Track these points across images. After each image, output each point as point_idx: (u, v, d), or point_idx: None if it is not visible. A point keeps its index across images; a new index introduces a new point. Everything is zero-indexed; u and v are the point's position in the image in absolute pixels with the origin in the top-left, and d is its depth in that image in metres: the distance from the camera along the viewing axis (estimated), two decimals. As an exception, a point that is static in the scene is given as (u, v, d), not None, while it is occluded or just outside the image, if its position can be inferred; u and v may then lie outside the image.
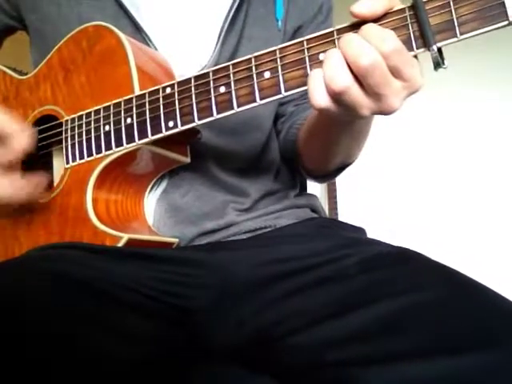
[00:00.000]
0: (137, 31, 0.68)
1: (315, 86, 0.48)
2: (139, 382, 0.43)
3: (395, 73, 0.46)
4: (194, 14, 0.71)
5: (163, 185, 0.67)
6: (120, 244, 0.58)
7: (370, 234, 0.71)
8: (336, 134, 0.65)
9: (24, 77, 0.72)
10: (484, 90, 2.24)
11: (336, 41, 0.49)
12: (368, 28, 0.46)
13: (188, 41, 0.70)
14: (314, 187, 0.89)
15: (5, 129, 0.58)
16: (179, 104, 0.56)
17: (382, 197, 2.23)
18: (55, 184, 0.65)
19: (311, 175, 0.80)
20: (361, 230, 0.73)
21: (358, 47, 0.46)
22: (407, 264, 0.55)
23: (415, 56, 0.47)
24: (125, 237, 0.58)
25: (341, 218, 1.88)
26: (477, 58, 2.12)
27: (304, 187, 0.89)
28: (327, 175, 0.77)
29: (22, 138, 0.59)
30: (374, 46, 0.45)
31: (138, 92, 0.60)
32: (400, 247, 0.59)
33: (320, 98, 0.48)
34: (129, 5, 0.68)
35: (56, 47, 0.68)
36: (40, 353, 0.41)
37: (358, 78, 0.46)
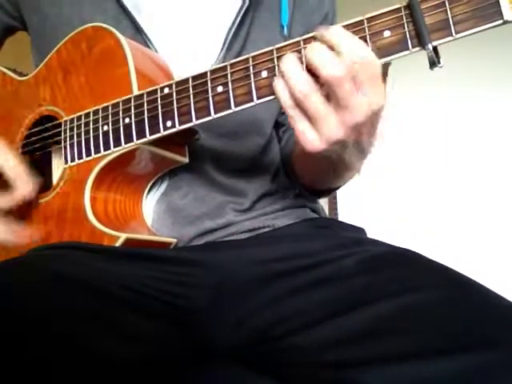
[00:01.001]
0: (137, 33, 0.68)
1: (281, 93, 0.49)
2: (139, 382, 0.43)
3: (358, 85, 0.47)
4: (198, 18, 0.71)
5: (163, 186, 0.67)
6: (118, 244, 0.58)
7: (370, 234, 0.71)
8: (314, 164, 0.67)
9: (24, 78, 0.73)
10: (484, 90, 2.24)
11: None
12: (338, 37, 0.47)
13: (191, 45, 0.70)
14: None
15: (9, 173, 0.61)
16: (177, 104, 0.56)
17: (381, 197, 2.23)
18: (54, 184, 0.65)
19: (305, 189, 0.80)
20: (361, 230, 0.73)
21: (321, 58, 0.47)
22: (407, 264, 0.55)
23: (384, 77, 0.48)
24: (122, 236, 0.58)
25: (341, 218, 1.88)
26: (473, 58, 2.12)
27: (304, 187, 0.89)
28: (317, 194, 0.78)
29: (25, 185, 0.62)
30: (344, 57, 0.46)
31: (136, 93, 0.60)
32: (399, 248, 0.59)
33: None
34: (130, 6, 0.68)
35: (56, 48, 0.69)
36: (40, 353, 0.41)
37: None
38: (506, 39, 1.95)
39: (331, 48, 0.47)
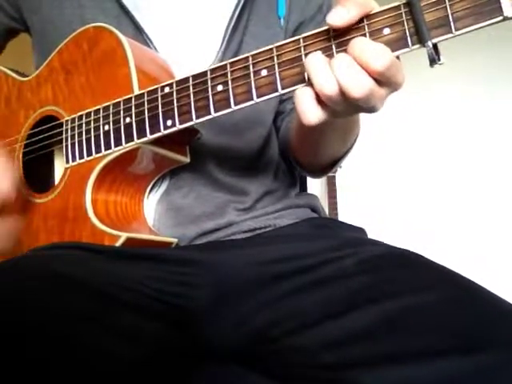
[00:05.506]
0: (138, 32, 0.68)
1: (307, 106, 0.49)
2: (139, 382, 0.43)
3: (386, 84, 0.47)
4: (196, 15, 0.71)
5: (164, 186, 0.67)
6: (118, 243, 0.58)
7: (370, 234, 0.71)
8: (319, 135, 0.66)
9: (26, 78, 0.73)
10: (486, 90, 2.24)
11: (332, 39, 0.49)
12: (361, 47, 0.46)
13: (191, 42, 0.70)
14: (314, 187, 0.89)
15: None
16: (177, 103, 0.57)
17: (382, 197, 2.23)
18: (56, 184, 0.65)
19: (306, 170, 0.80)
20: (361, 230, 0.73)
21: (351, 75, 0.46)
22: (407, 265, 0.54)
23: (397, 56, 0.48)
24: (123, 236, 0.58)
25: (341, 218, 1.89)
26: (472, 56, 2.12)
27: (304, 187, 0.89)
28: (321, 170, 0.78)
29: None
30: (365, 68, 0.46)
31: (137, 92, 0.60)
32: (400, 248, 0.59)
33: (313, 117, 0.49)
34: (131, 6, 0.68)
35: (57, 48, 0.69)
36: (40, 353, 0.41)
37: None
38: (504, 37, 1.95)
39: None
